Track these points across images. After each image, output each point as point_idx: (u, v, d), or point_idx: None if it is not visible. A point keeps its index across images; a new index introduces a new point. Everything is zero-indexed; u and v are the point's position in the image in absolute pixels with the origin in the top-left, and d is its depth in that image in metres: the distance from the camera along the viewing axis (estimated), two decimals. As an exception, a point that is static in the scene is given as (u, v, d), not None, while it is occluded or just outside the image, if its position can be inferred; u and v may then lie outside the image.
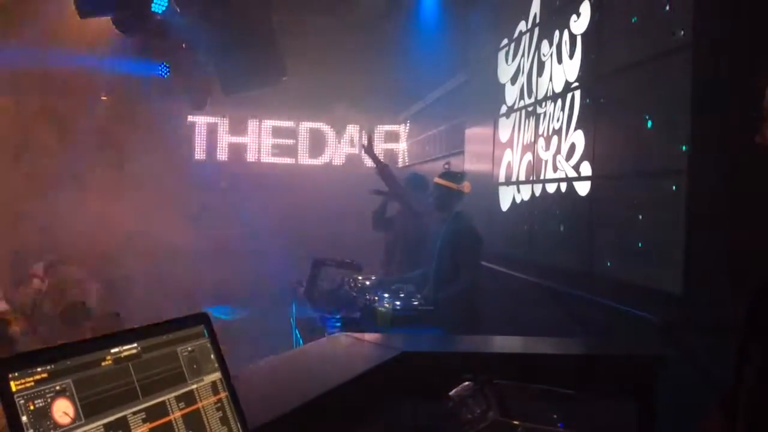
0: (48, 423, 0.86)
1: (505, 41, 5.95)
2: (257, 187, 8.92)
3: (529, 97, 5.30)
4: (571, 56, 4.44)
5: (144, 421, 0.98)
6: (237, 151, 10.30)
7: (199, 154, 10.09)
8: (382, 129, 10.55)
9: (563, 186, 4.51)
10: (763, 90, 1.32)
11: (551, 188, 4.73)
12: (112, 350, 1.00)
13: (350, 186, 7.73)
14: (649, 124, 3.42)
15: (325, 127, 10.52)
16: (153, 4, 7.20)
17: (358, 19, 7.29)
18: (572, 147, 4.36)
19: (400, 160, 10.49)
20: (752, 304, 1.34)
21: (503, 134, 5.95)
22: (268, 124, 10.44)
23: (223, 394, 1.13)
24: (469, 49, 7.11)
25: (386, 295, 3.82)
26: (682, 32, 3.08)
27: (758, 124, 1.31)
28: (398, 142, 10.78)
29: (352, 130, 10.43)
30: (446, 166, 5.85)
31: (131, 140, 7.98)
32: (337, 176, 9.89)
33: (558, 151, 4.60)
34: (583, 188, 4.21)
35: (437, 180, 4.10)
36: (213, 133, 10.14)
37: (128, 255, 7.26)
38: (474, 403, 1.45)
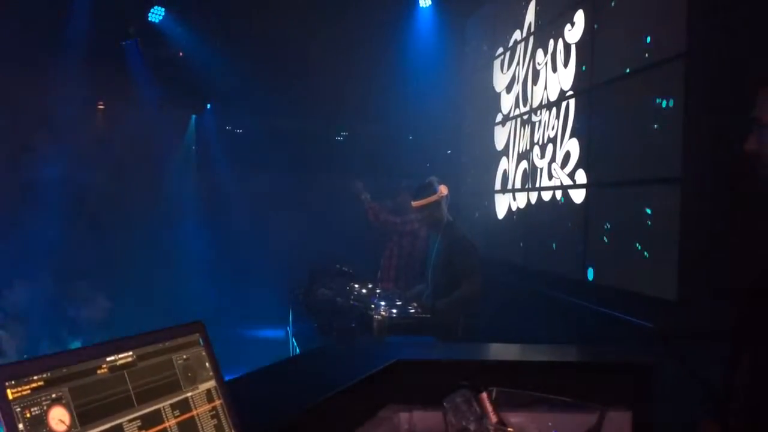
0: (44, 430, 0.86)
1: (501, 50, 5.98)
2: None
3: (525, 105, 5.33)
4: (565, 65, 4.47)
5: (139, 428, 0.99)
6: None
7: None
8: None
9: (558, 194, 4.53)
10: (752, 99, 1.34)
11: (547, 196, 4.75)
12: (108, 358, 1.00)
13: (349, 197, 7.70)
14: (643, 132, 3.44)
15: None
16: (150, 14, 7.24)
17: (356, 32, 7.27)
18: (567, 155, 4.38)
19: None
20: (740, 313, 1.35)
21: (499, 142, 5.97)
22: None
23: (217, 402, 1.14)
24: (464, 58, 7.14)
25: (382, 304, 3.82)
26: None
27: (746, 133, 1.33)
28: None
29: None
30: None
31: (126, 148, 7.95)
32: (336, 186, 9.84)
33: (553, 158, 4.62)
34: (578, 196, 4.22)
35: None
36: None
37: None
38: (468, 410, 1.45)
